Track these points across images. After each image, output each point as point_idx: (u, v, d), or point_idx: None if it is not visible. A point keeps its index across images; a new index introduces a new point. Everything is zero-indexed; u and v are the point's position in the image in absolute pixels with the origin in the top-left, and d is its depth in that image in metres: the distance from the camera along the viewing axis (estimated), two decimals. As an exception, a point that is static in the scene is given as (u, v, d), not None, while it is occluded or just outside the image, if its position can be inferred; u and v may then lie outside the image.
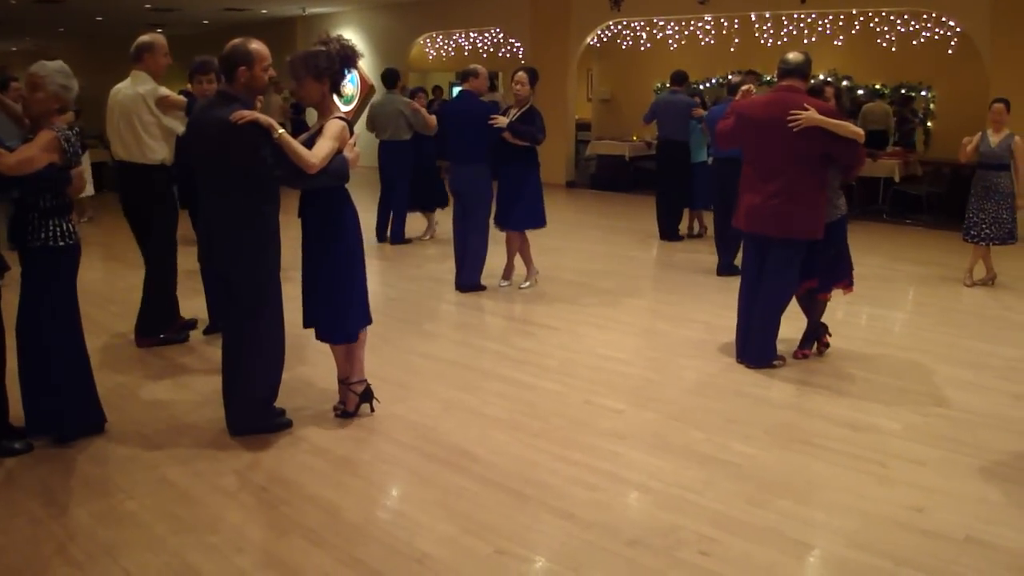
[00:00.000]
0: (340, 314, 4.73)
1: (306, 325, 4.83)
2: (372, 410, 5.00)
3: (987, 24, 11.22)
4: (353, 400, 4.93)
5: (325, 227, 4.62)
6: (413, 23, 18.46)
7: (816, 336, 6.06)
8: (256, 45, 4.40)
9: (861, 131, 5.50)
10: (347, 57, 4.61)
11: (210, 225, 4.55)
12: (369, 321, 4.89)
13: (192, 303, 6.85)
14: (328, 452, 4.50)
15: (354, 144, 4.61)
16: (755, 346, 5.81)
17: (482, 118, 7.46)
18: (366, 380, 4.98)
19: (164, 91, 6.00)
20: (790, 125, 5.36)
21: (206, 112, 4.43)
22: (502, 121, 7.42)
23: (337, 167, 4.42)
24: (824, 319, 6.09)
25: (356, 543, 3.61)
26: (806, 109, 5.34)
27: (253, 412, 4.66)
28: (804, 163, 5.46)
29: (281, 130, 4.26)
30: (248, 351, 4.57)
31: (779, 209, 5.52)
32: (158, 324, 6.29)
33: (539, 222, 7.88)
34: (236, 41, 4.40)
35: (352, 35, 19.55)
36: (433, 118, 9.83)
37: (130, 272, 6.88)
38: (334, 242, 4.62)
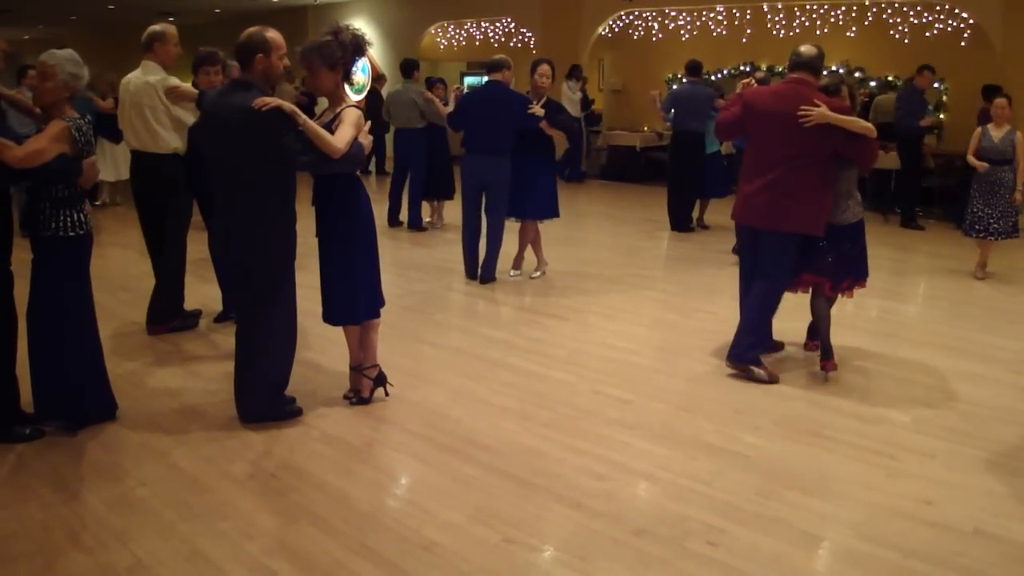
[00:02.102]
0: (354, 297, 4.79)
1: (326, 318, 4.89)
2: (387, 394, 5.04)
3: (1000, 16, 11.16)
4: (368, 385, 4.98)
5: (341, 213, 4.67)
6: (424, 13, 18.42)
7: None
8: (272, 33, 4.40)
9: (872, 126, 5.33)
10: (358, 46, 4.64)
11: (228, 214, 4.53)
12: (382, 304, 4.98)
13: (202, 290, 6.89)
14: (338, 440, 4.52)
15: (368, 131, 4.66)
16: (738, 342, 5.56)
17: (513, 108, 7.42)
18: (379, 365, 5.01)
19: (174, 81, 5.99)
20: (800, 121, 5.22)
21: (223, 100, 4.40)
22: (540, 111, 7.40)
23: (356, 153, 4.49)
24: (834, 311, 6.05)
25: (365, 530, 3.63)
26: (817, 105, 5.21)
27: (264, 400, 4.68)
28: (806, 158, 5.29)
29: (304, 117, 4.28)
30: (261, 339, 4.58)
31: (771, 202, 5.37)
32: (170, 312, 6.33)
33: (556, 211, 8.00)
34: (253, 29, 4.40)
35: (363, 25, 19.52)
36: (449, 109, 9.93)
37: (142, 259, 6.91)
38: (350, 227, 4.67)
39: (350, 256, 4.72)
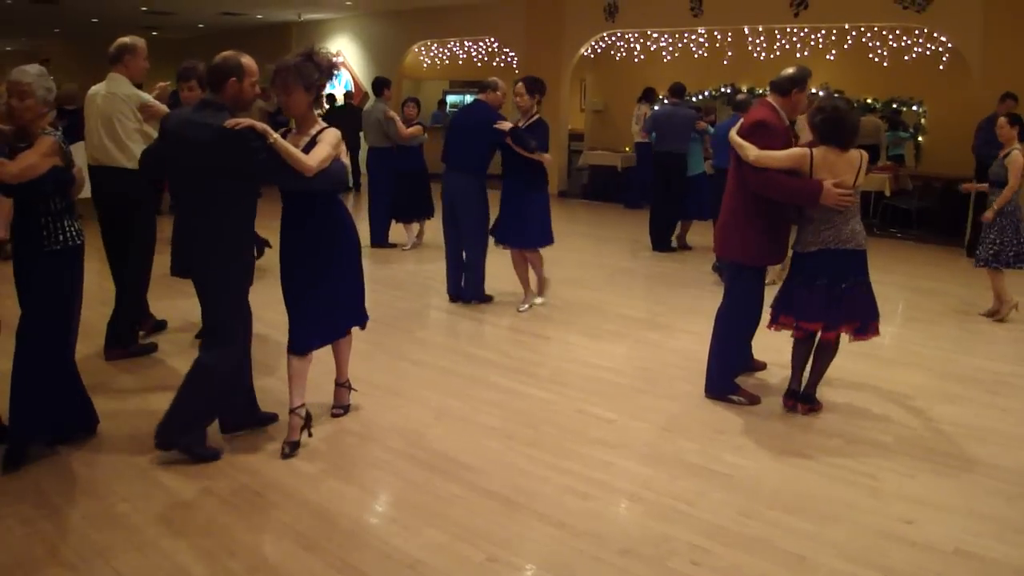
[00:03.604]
0: (356, 309, 4.91)
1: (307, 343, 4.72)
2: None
3: (978, 40, 11.32)
4: (346, 393, 5.14)
5: (324, 234, 4.59)
6: (408, 31, 18.49)
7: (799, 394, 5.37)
8: (248, 60, 4.35)
9: (754, 152, 4.99)
10: (331, 69, 4.58)
11: (188, 236, 4.44)
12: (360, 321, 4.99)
13: (183, 305, 6.86)
14: (321, 457, 4.50)
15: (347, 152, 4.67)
16: (708, 372, 5.59)
17: (485, 126, 7.29)
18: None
19: (148, 99, 5.92)
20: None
21: (191, 120, 4.28)
22: (506, 125, 7.23)
23: (337, 171, 4.46)
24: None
25: (348, 548, 3.62)
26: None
27: (181, 430, 4.42)
28: (736, 182, 5.25)
29: (276, 135, 4.20)
30: (198, 370, 4.40)
31: (719, 228, 5.46)
32: (129, 336, 6.14)
33: (546, 239, 7.59)
34: (228, 53, 4.36)
35: (347, 42, 19.65)
36: (411, 129, 10.05)
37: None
38: (337, 246, 4.65)
39: (344, 272, 4.73)
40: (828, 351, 5.28)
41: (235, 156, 4.17)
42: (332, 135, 4.48)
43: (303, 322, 4.62)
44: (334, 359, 5.05)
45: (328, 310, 4.70)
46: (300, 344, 4.64)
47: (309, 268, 4.58)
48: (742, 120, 5.30)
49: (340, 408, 5.09)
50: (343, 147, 4.58)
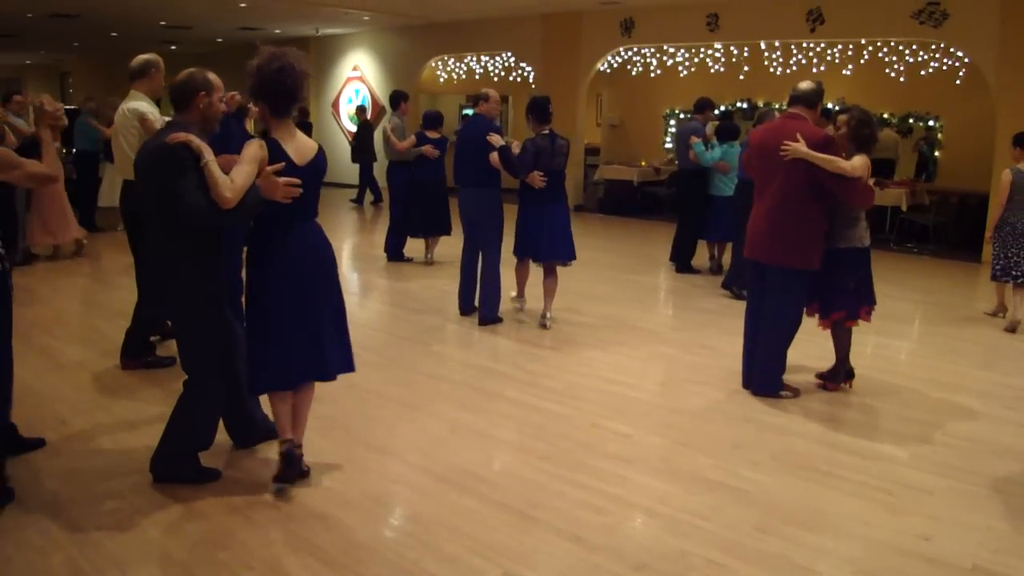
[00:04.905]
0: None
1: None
2: (281, 486, 4.27)
3: (995, 55, 11.28)
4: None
5: (253, 263, 4.15)
6: (425, 45, 18.56)
7: (846, 372, 5.99)
8: (213, 75, 4.15)
9: (850, 165, 5.34)
10: (260, 70, 4.00)
11: (157, 279, 4.19)
12: (284, 386, 4.22)
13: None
14: (336, 471, 4.51)
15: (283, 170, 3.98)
16: (759, 373, 5.81)
17: (484, 139, 7.26)
18: (289, 444, 4.26)
19: (146, 113, 5.79)
20: (781, 154, 5.42)
21: (150, 143, 4.12)
22: (497, 139, 7.17)
23: (251, 198, 3.86)
24: (823, 347, 6.08)
25: (364, 562, 3.62)
26: (797, 140, 5.39)
27: (178, 460, 4.36)
28: (792, 192, 5.48)
29: (209, 156, 3.79)
30: (182, 405, 4.28)
31: (767, 235, 5.59)
32: (141, 346, 6.19)
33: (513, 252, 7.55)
34: (192, 70, 4.15)
35: (365, 56, 19.74)
36: (405, 142, 10.01)
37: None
38: (264, 278, 4.11)
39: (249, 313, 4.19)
40: (849, 332, 5.88)
41: (164, 172, 3.82)
42: (250, 150, 3.92)
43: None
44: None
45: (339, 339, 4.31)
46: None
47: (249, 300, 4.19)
48: (800, 136, 5.40)
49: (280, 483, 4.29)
50: (263, 155, 3.91)
